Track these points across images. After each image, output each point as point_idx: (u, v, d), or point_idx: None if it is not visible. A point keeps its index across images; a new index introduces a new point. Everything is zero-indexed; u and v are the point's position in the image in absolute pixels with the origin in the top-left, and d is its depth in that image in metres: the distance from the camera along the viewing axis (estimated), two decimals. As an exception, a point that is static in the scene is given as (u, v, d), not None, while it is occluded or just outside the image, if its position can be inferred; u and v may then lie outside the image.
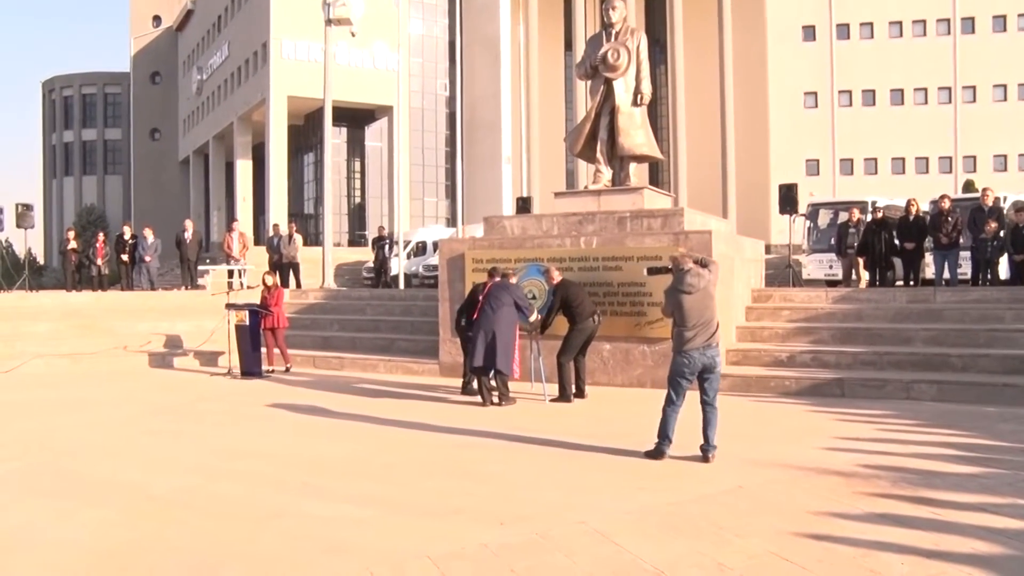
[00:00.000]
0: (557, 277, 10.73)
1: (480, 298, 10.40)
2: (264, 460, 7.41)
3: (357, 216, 46.89)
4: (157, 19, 64.12)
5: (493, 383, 10.27)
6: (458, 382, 11.52)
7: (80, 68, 73.40)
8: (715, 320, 7.07)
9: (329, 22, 21.69)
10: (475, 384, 10.61)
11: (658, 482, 6.37)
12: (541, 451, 7.54)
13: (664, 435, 7.01)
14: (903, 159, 42.39)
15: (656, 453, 7.01)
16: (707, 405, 7.04)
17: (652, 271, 7.95)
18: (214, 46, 52.03)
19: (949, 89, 42.25)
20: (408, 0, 41.38)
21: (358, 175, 47.03)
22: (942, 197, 15.41)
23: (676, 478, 6.49)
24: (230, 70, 48.15)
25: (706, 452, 6.94)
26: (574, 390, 10.49)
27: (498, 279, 10.53)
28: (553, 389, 10.46)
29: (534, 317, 10.57)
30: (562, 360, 10.41)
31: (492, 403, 10.10)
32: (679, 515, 5.47)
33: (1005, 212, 15.60)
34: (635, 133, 12.95)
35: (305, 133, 46.59)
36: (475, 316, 10.37)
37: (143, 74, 64.45)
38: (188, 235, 20.41)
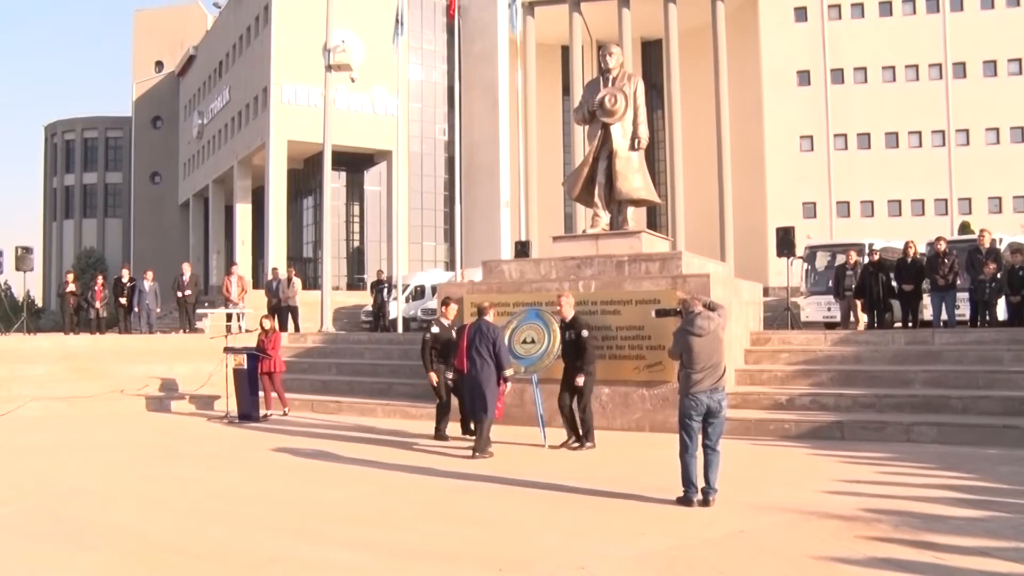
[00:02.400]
0: (570, 308, 10.27)
1: (462, 343, 10.07)
2: (261, 504, 7.36)
3: (356, 260, 47.01)
4: (159, 64, 64.85)
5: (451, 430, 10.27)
6: (457, 427, 11.40)
7: (82, 112, 73.68)
8: (723, 364, 7.09)
9: (329, 68, 22.02)
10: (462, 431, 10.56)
11: (659, 526, 6.32)
12: (540, 495, 7.49)
13: (689, 482, 6.94)
14: (899, 201, 42.66)
15: (685, 500, 6.92)
16: (709, 449, 7.01)
17: (660, 313, 8.00)
18: (215, 91, 52.60)
19: (943, 132, 42.66)
20: (407, 46, 41.90)
21: (357, 219, 47.24)
22: (938, 239, 15.48)
23: (677, 522, 6.44)
24: (231, 114, 48.63)
25: (707, 495, 6.90)
26: (573, 436, 10.22)
27: (476, 319, 10.19)
28: (553, 434, 10.35)
29: (510, 372, 9.98)
30: (588, 403, 10.10)
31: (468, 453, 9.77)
32: (680, 560, 5.42)
33: (1002, 253, 15.68)
34: (632, 177, 13.04)
35: (304, 177, 46.88)
36: (463, 367, 10.02)
37: (144, 118, 65.04)
38: (186, 279, 20.46)
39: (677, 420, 7.15)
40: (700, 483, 6.93)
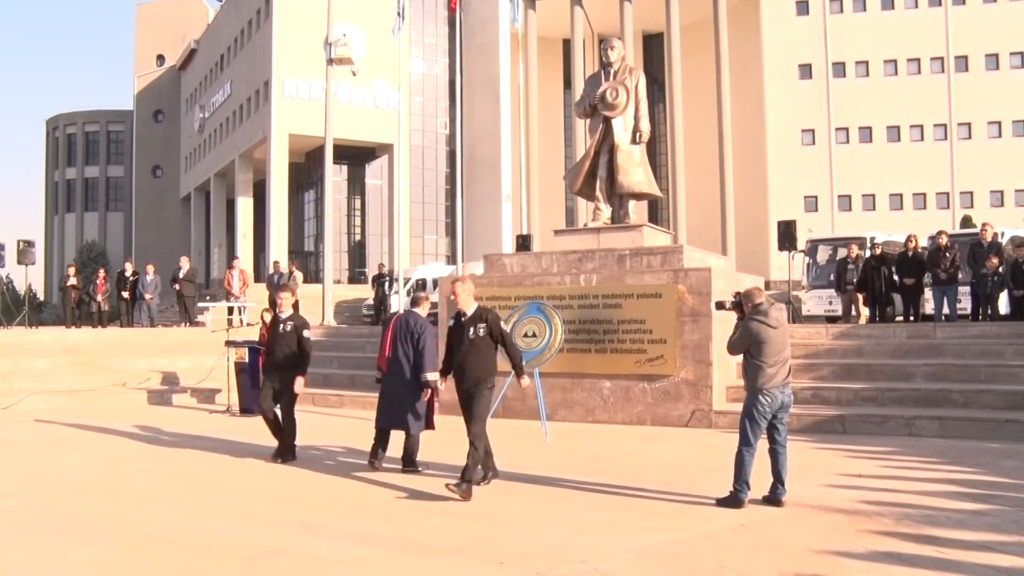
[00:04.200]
0: (468, 298, 7.54)
1: (387, 336, 8.45)
2: (262, 498, 7.36)
3: (357, 253, 47.01)
4: (160, 58, 64.85)
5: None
6: (462, 420, 11.29)
7: (84, 106, 73.80)
8: (790, 358, 6.86)
9: (331, 61, 21.96)
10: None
11: (661, 521, 6.31)
12: (542, 490, 7.48)
13: (744, 481, 6.56)
14: (900, 195, 42.59)
15: (734, 501, 6.56)
16: (779, 446, 6.80)
17: (720, 306, 7.49)
18: (216, 84, 52.55)
19: (945, 126, 42.59)
20: (409, 40, 41.85)
21: (358, 213, 47.23)
22: (939, 233, 15.48)
23: (679, 516, 6.43)
24: (232, 108, 48.59)
25: (781, 496, 6.68)
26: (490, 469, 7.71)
27: (408, 309, 8.64)
28: (554, 428, 10.33)
29: (431, 377, 7.98)
30: (481, 431, 7.29)
31: (379, 468, 8.34)
32: (681, 554, 5.42)
33: (1004, 247, 15.66)
34: (634, 171, 13.03)
35: (306, 171, 46.87)
36: (385, 366, 8.41)
37: (146, 112, 65.04)
38: (183, 272, 20.48)
39: (740, 418, 6.81)
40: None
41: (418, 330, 8.16)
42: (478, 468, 7.22)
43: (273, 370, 9.18)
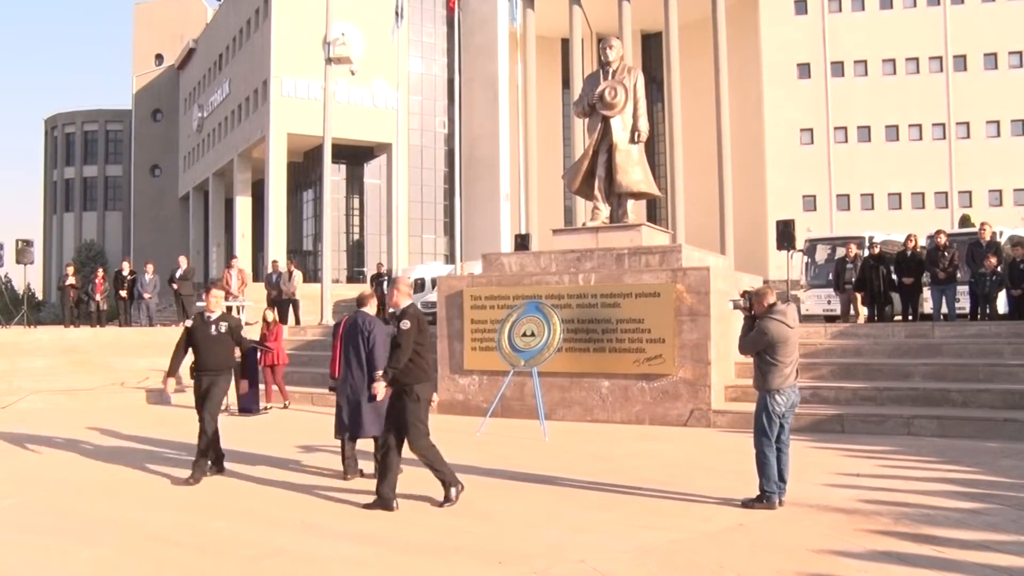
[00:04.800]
0: (405, 297, 7.12)
1: (337, 342, 8.14)
2: (262, 498, 7.36)
3: (356, 253, 46.99)
4: (159, 58, 64.78)
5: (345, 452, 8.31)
6: (460, 420, 11.35)
7: (82, 105, 73.65)
8: (799, 358, 6.94)
9: (329, 61, 21.93)
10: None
11: (659, 520, 6.32)
12: (541, 489, 7.49)
13: (774, 481, 6.63)
14: (899, 194, 42.60)
15: (767, 503, 6.58)
16: (783, 445, 6.82)
17: (736, 305, 7.28)
18: (215, 84, 52.51)
19: (943, 125, 42.60)
20: (407, 39, 41.87)
21: (357, 212, 47.22)
22: (938, 232, 15.47)
23: (677, 516, 6.44)
24: (231, 108, 48.55)
25: (780, 496, 6.72)
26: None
27: (356, 312, 7.93)
28: (554, 427, 10.32)
29: (383, 380, 7.08)
30: (425, 442, 6.94)
31: (361, 474, 8.17)
32: (680, 554, 5.42)
33: (1002, 247, 15.67)
34: (632, 170, 13.04)
35: (304, 170, 46.84)
36: (336, 371, 8.10)
37: (145, 111, 64.97)
38: (180, 271, 20.47)
39: (756, 418, 6.79)
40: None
41: (367, 328, 7.62)
42: (452, 474, 6.95)
43: (204, 376, 8.38)
